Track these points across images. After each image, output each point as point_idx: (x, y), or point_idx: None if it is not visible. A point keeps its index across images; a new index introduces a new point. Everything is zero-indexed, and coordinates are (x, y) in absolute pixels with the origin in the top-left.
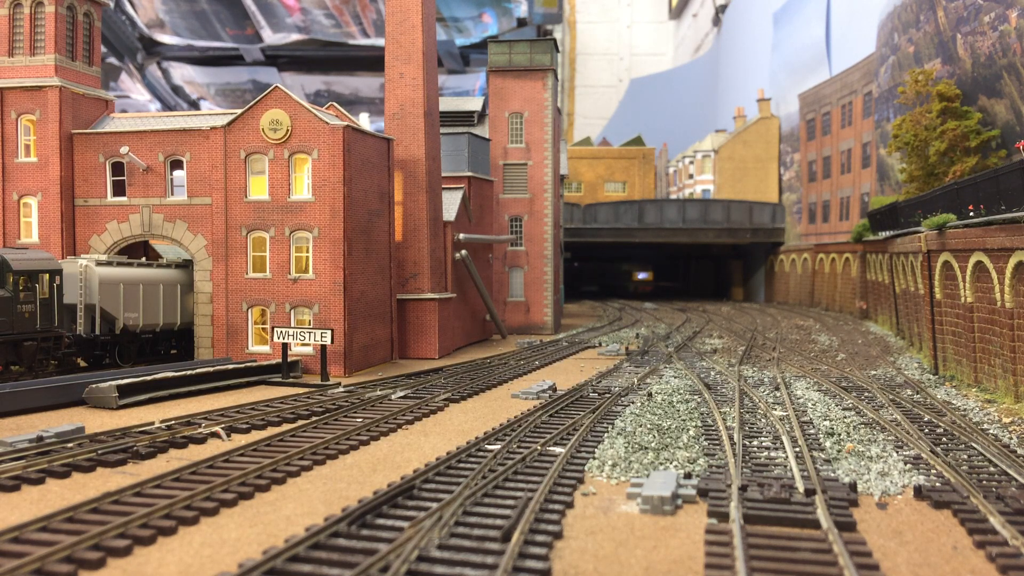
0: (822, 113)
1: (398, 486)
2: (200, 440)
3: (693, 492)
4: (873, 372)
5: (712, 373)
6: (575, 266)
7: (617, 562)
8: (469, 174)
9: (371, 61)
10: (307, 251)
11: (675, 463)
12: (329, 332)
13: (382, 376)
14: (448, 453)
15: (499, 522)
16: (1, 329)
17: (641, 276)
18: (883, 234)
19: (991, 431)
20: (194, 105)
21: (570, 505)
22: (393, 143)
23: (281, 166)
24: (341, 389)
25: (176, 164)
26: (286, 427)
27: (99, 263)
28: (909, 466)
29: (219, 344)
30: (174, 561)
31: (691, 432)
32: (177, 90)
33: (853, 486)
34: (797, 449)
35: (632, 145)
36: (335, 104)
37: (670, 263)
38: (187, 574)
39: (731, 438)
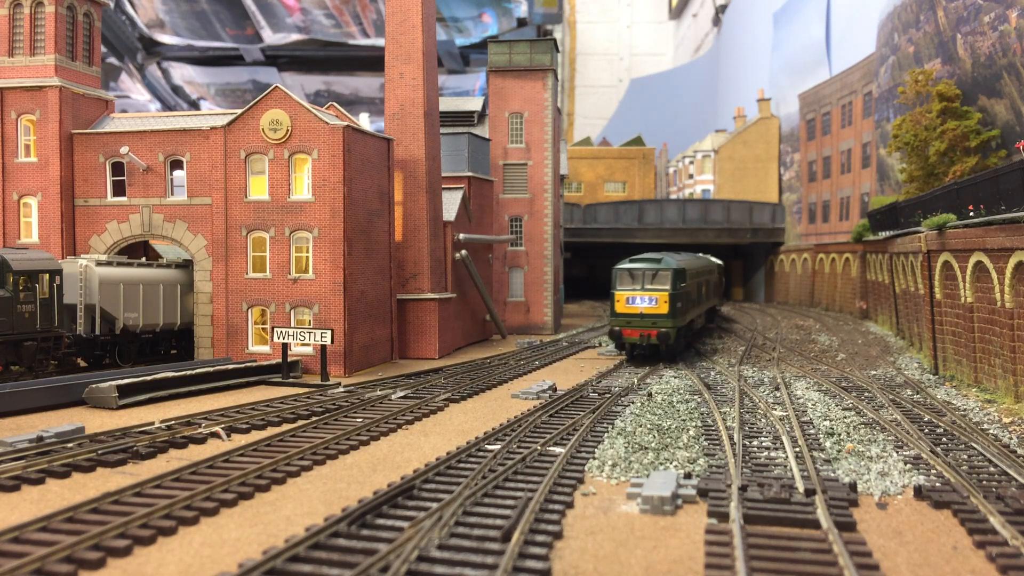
0: (822, 113)
1: (398, 486)
2: (200, 440)
3: (693, 492)
4: (873, 372)
5: (712, 373)
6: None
7: (617, 562)
8: (469, 174)
9: (371, 61)
10: (307, 251)
11: (675, 463)
12: (329, 332)
13: (382, 376)
14: (448, 453)
15: (499, 522)
16: (1, 329)
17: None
18: (883, 234)
19: (991, 431)
20: (194, 105)
21: (570, 505)
22: (393, 143)
23: (281, 166)
24: (341, 389)
25: (176, 164)
26: (286, 427)
27: (99, 263)
28: (909, 466)
29: (219, 344)
30: (174, 561)
31: (691, 432)
32: (177, 90)
33: (853, 486)
34: (797, 449)
35: (632, 145)
36: (335, 104)
37: None
38: (187, 574)
39: (731, 438)
